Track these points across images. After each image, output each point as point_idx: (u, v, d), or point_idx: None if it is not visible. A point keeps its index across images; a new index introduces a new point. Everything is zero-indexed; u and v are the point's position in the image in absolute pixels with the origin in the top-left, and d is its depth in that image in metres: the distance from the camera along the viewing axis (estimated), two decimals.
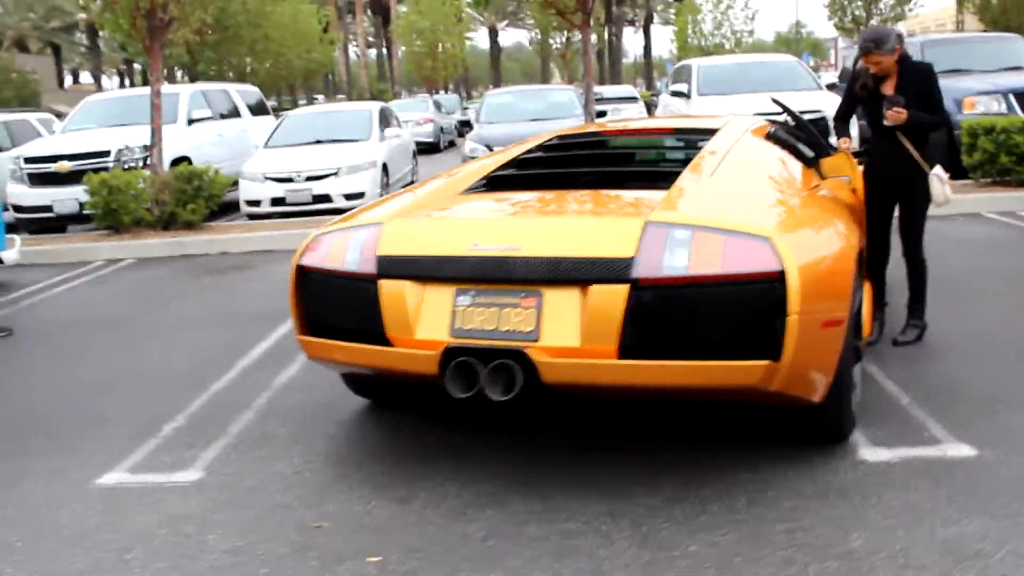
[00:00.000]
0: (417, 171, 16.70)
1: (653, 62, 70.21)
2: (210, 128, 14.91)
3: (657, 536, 3.48)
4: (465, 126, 27.88)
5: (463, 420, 4.79)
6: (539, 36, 37.09)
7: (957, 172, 11.52)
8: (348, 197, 12.58)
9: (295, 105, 39.68)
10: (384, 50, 61.07)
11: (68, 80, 70.23)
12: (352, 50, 59.90)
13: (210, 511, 3.99)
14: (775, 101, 6.38)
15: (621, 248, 3.58)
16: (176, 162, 13.00)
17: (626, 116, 23.89)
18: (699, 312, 3.50)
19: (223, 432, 4.90)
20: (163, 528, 3.86)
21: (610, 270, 3.55)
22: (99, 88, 59.86)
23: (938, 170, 5.46)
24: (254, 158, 13.68)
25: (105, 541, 3.78)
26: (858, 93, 5.66)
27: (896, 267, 5.78)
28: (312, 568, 3.45)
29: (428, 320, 3.81)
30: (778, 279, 3.47)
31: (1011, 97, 12.30)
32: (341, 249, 4.13)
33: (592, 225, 3.82)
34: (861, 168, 5.75)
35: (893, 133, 5.45)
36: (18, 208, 12.93)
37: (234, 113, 16.23)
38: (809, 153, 5.54)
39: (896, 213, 5.66)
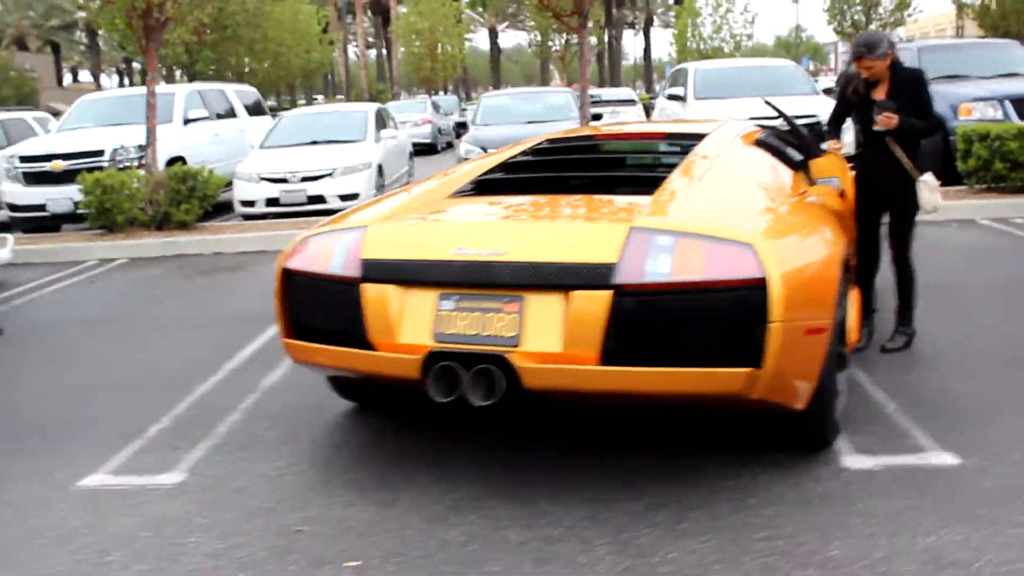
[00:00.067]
0: (413, 172, 16.69)
1: (653, 65, 70.28)
2: (206, 128, 14.90)
3: (637, 542, 3.47)
4: (462, 128, 27.85)
5: (448, 424, 4.78)
6: (538, 38, 37.09)
7: (952, 178, 11.53)
8: (343, 198, 12.56)
9: (294, 105, 39.67)
10: (384, 51, 61.06)
11: (67, 78, 70.24)
12: (352, 50, 59.95)
13: (192, 513, 3.98)
14: (767, 103, 6.37)
15: (604, 254, 3.57)
16: (171, 162, 13.01)
17: (623, 119, 23.88)
18: (681, 319, 3.50)
19: (208, 434, 4.89)
20: (145, 530, 3.85)
21: (593, 276, 3.54)
22: (98, 87, 59.88)
23: (928, 177, 5.45)
24: (249, 158, 13.68)
25: (86, 543, 3.77)
26: (849, 98, 5.66)
27: (886, 273, 5.78)
28: (291, 572, 3.44)
29: (411, 324, 3.81)
30: (760, 286, 3.46)
31: (1007, 103, 12.28)
32: (326, 252, 4.12)
33: (576, 231, 3.81)
34: (853, 174, 5.74)
35: (884, 139, 5.44)
36: (13, 207, 12.94)
37: (230, 113, 16.22)
38: (799, 158, 5.54)
39: (886, 219, 5.65)
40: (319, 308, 4.13)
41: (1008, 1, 26.21)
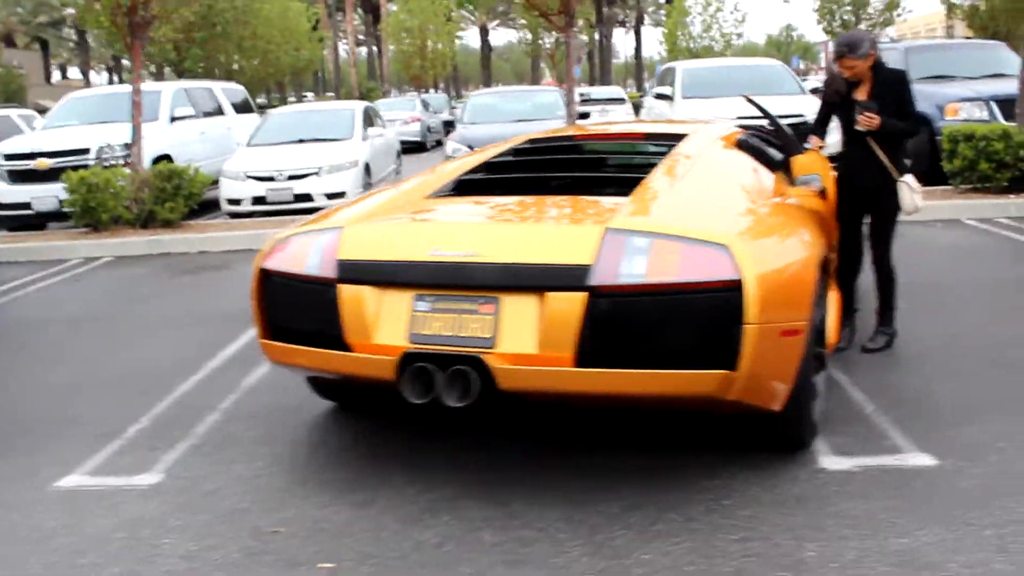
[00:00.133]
0: (401, 170, 16.66)
1: (644, 63, 70.31)
2: (192, 126, 14.86)
3: (612, 544, 3.46)
4: (449, 126, 27.82)
5: (427, 424, 4.77)
6: (528, 36, 37.07)
7: (938, 178, 11.56)
8: (329, 196, 12.53)
9: (284, 103, 39.58)
10: (374, 48, 60.98)
11: (56, 75, 69.99)
12: (342, 48, 59.83)
13: (167, 514, 3.96)
14: (748, 100, 6.36)
15: (579, 255, 3.56)
16: (158, 160, 12.97)
17: (612, 117, 23.89)
18: (656, 320, 3.49)
19: (187, 434, 4.87)
20: (119, 532, 3.83)
21: (568, 277, 3.53)
22: (87, 84, 59.68)
23: (908, 178, 5.46)
24: (236, 156, 13.65)
25: (61, 544, 3.76)
26: (831, 98, 5.67)
27: (868, 273, 5.78)
28: (264, 574, 3.43)
29: (387, 325, 3.79)
30: (735, 288, 3.45)
31: (993, 104, 12.31)
32: (303, 253, 4.10)
33: (551, 232, 3.80)
34: (835, 174, 5.74)
35: (865, 139, 5.45)
36: None
37: (218, 111, 16.18)
38: (780, 157, 5.54)
39: (868, 220, 5.66)
40: (296, 309, 4.11)
41: (997, 2, 26.27)
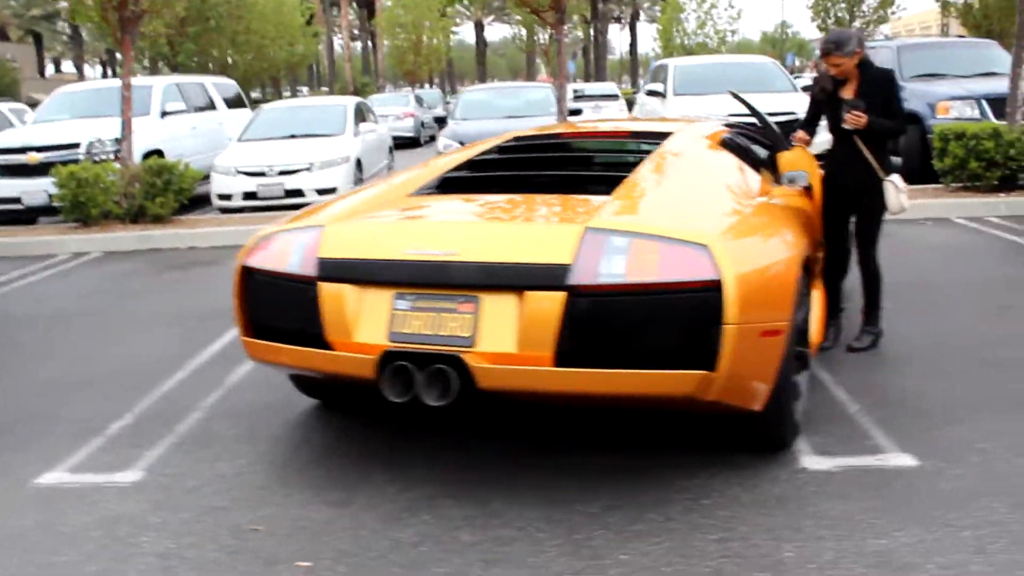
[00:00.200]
0: (393, 166, 16.63)
1: (639, 59, 70.25)
2: (184, 121, 14.83)
3: (590, 544, 3.46)
4: (440, 122, 27.79)
5: (409, 422, 4.76)
6: (522, 32, 37.01)
7: (929, 176, 11.57)
8: (320, 192, 12.50)
9: (280, 98, 39.49)
10: (369, 43, 60.91)
11: (50, 69, 69.81)
12: (337, 43, 59.74)
13: (146, 512, 3.95)
14: (734, 96, 6.36)
15: (558, 255, 3.55)
16: (149, 155, 12.91)
17: (606, 114, 23.88)
18: (635, 320, 3.48)
19: (169, 432, 4.85)
20: (97, 530, 3.82)
21: (547, 277, 3.52)
22: (81, 77, 59.52)
23: (894, 177, 5.45)
24: (227, 152, 13.61)
25: (37, 542, 3.74)
26: (817, 96, 5.66)
27: (854, 272, 5.78)
28: (241, 573, 3.42)
29: (367, 324, 3.78)
30: (715, 288, 3.44)
31: (984, 103, 12.34)
32: (284, 251, 4.09)
33: (531, 231, 3.79)
34: (822, 172, 5.74)
35: (852, 138, 5.44)
36: None
37: (210, 106, 16.14)
38: (766, 155, 5.53)
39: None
40: (277, 307, 4.10)
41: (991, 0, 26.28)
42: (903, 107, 5.60)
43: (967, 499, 3.69)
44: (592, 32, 59.29)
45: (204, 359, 6.14)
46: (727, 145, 5.09)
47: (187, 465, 4.43)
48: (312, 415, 4.99)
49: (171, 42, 26.64)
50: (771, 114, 11.62)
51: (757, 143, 5.87)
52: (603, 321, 3.49)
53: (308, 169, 12.78)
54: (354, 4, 58.63)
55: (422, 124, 29.48)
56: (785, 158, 5.42)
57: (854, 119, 5.30)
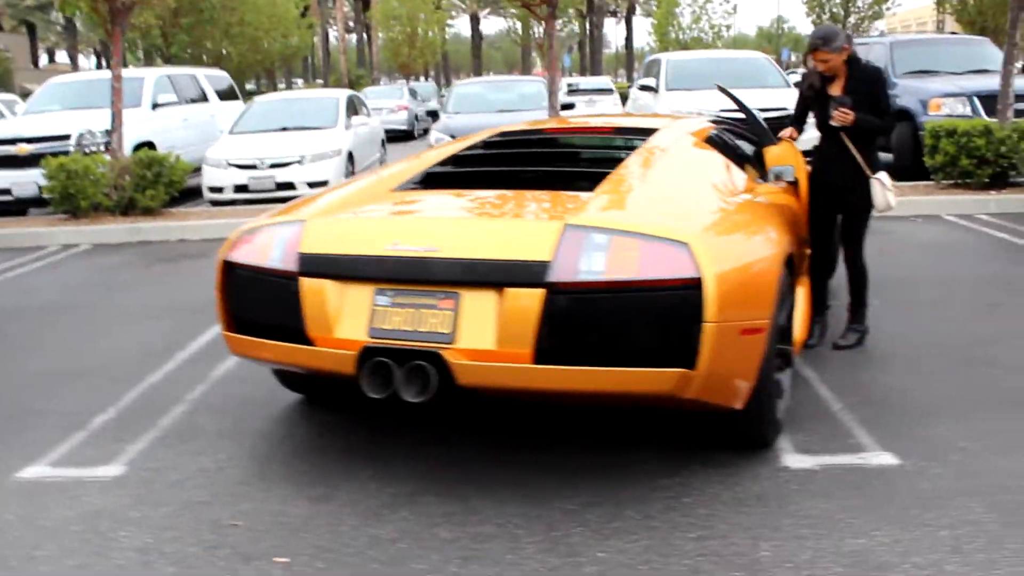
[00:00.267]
0: (386, 159, 16.61)
1: (635, 54, 70.16)
2: (175, 113, 14.79)
3: (568, 541, 3.46)
4: (432, 115, 27.75)
5: (393, 418, 4.76)
6: (516, 25, 36.98)
7: (922, 172, 11.59)
8: (312, 185, 12.48)
9: (274, 90, 39.39)
10: (364, 35, 60.76)
11: (44, 59, 69.60)
12: (332, 35, 59.62)
13: (127, 507, 3.94)
14: (721, 90, 6.35)
15: (538, 251, 3.55)
16: (140, 147, 12.88)
17: (600, 108, 23.88)
18: (614, 318, 3.48)
19: (152, 425, 4.85)
20: (77, 524, 3.81)
21: (526, 273, 3.52)
22: (75, 68, 59.35)
23: (881, 175, 5.45)
24: (218, 144, 13.58)
25: (17, 537, 3.73)
26: (805, 93, 5.66)
27: (841, 269, 5.78)
28: (219, 568, 3.41)
29: (348, 320, 3.78)
30: (695, 286, 3.44)
31: (976, 100, 12.35)
32: (266, 245, 4.08)
33: (511, 228, 3.78)
34: (809, 169, 5.74)
35: (839, 135, 5.43)
36: None
37: (202, 98, 16.10)
38: (753, 150, 5.52)
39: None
40: (258, 302, 4.09)
41: None
42: (891, 105, 5.59)
43: (946, 498, 3.70)
44: (588, 26, 59.20)
45: (190, 352, 6.13)
46: (712, 142, 5.08)
47: (169, 459, 4.42)
48: (296, 410, 4.99)
49: (165, 33, 26.55)
50: (763, 110, 11.63)
51: (744, 139, 5.87)
52: (582, 318, 3.48)
53: (299, 162, 12.75)
54: None
55: (416, 117, 29.45)
56: (772, 153, 5.43)
57: (841, 116, 5.30)
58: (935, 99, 12.55)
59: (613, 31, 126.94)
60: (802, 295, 5.32)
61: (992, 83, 11.60)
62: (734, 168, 4.86)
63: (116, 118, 11.74)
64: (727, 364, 3.59)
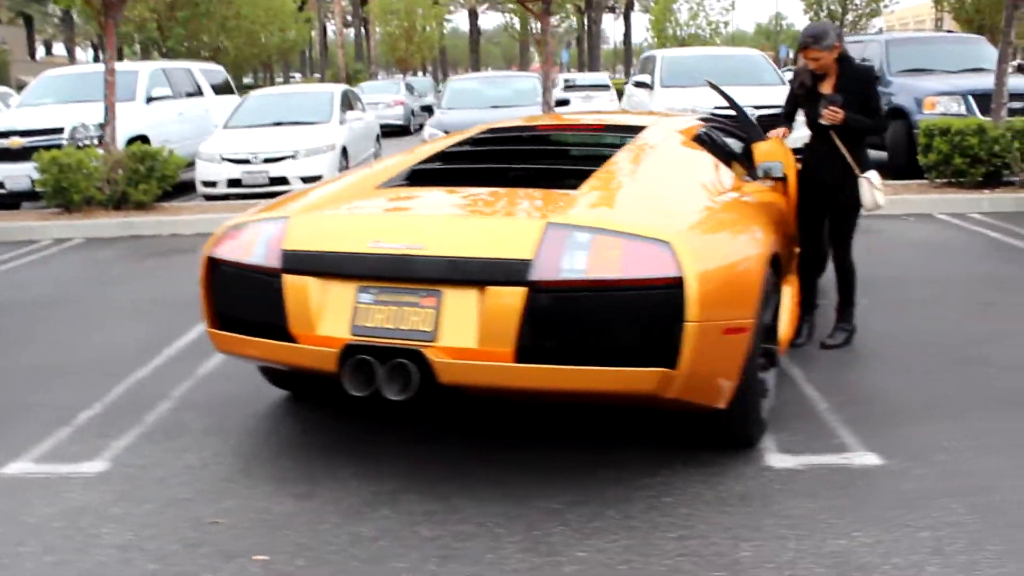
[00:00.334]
0: (380, 155, 16.59)
1: (633, 50, 70.08)
2: (170, 107, 14.76)
3: (548, 540, 3.45)
4: (427, 111, 27.75)
5: (377, 415, 4.75)
6: (513, 20, 36.95)
7: (916, 171, 11.58)
8: (305, 180, 12.45)
9: (272, 84, 39.35)
10: (362, 30, 60.68)
11: (41, 51, 69.45)
12: (330, 29, 59.52)
13: (109, 504, 3.93)
14: (711, 85, 6.34)
15: (520, 250, 3.54)
16: (133, 140, 12.85)
17: (596, 104, 23.85)
18: (596, 317, 3.47)
19: (138, 422, 4.84)
20: (59, 521, 3.80)
21: (508, 272, 3.51)
22: (72, 60, 59.24)
23: (871, 174, 5.44)
24: (212, 138, 13.56)
25: (1, 533, 3.71)
26: (796, 91, 5.65)
27: (829, 268, 5.78)
28: (200, 566, 3.40)
29: (330, 317, 3.77)
30: (676, 285, 3.43)
31: (970, 99, 12.34)
32: (249, 242, 4.07)
33: (493, 226, 3.77)
34: (798, 166, 5.73)
35: (829, 134, 5.43)
36: None
37: (196, 92, 16.07)
38: (741, 147, 5.51)
39: None
40: (242, 299, 4.09)
41: None
42: (881, 104, 5.58)
43: (929, 499, 3.70)
44: (586, 22, 59.12)
45: (179, 347, 6.12)
46: (700, 140, 5.07)
47: (154, 456, 4.41)
48: (282, 407, 4.98)
49: (161, 27, 26.51)
50: (758, 107, 11.66)
51: (734, 137, 5.86)
52: (564, 317, 3.48)
53: (293, 157, 12.74)
54: None
55: (412, 112, 29.45)
56: (760, 149, 5.42)
57: (831, 115, 5.29)
58: (930, 97, 12.54)
59: (612, 27, 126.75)
60: (789, 294, 5.31)
61: (987, 82, 11.58)
62: (721, 166, 4.85)
63: (109, 112, 11.72)
64: (709, 364, 3.58)
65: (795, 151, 5.82)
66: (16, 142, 12.46)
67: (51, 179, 11.26)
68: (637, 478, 3.93)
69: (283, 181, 12.56)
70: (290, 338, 3.85)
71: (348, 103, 15.08)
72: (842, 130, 5.38)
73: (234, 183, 12.72)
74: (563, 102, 15.76)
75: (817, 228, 5.68)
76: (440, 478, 4.01)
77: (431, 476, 4.04)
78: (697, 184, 4.40)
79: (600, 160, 4.48)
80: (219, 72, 17.84)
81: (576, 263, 3.49)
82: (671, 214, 3.83)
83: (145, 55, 28.93)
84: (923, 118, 11.86)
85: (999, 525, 3.49)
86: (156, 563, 3.43)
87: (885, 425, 4.45)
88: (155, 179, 11.70)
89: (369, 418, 4.73)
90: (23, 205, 12.97)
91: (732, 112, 6.12)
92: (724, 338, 3.62)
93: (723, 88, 6.24)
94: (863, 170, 5.43)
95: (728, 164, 5.02)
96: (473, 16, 65.86)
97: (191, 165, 13.21)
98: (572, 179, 4.25)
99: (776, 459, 4.11)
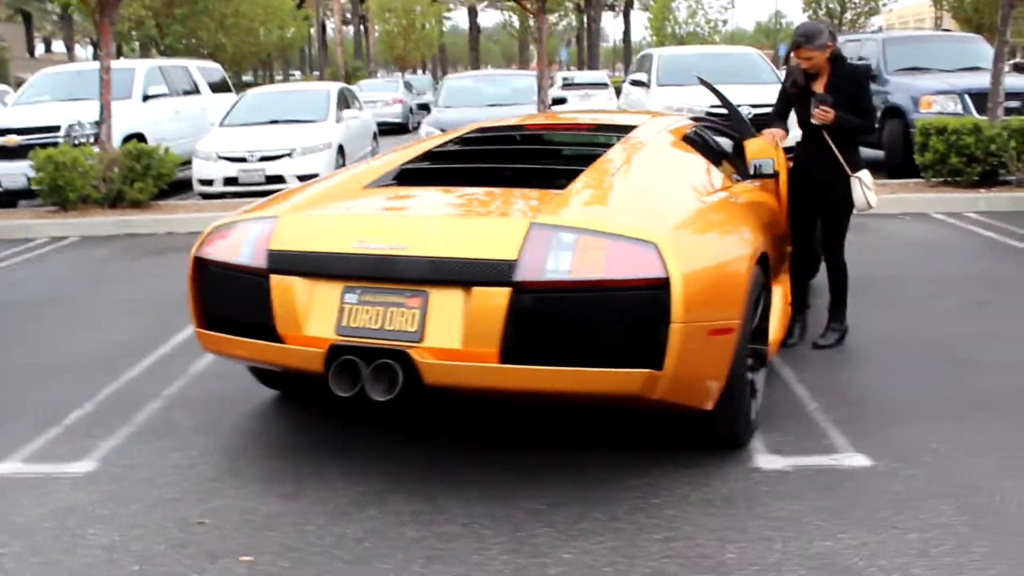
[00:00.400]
0: (378, 153, 16.56)
1: (633, 48, 70.01)
2: (166, 105, 14.76)
3: (533, 541, 3.44)
4: (425, 109, 27.73)
5: (367, 415, 4.74)
6: (511, 18, 36.91)
7: (913, 170, 11.57)
8: (302, 178, 12.42)
9: (272, 81, 39.31)
10: (361, 27, 60.63)
11: (40, 48, 69.41)
12: (329, 26, 59.46)
13: (96, 504, 3.92)
14: (703, 82, 6.33)
15: (504, 250, 3.53)
16: (130, 138, 12.84)
17: (594, 103, 23.84)
18: (580, 318, 3.46)
19: (127, 421, 4.83)
20: (46, 521, 3.80)
21: (492, 272, 3.50)
22: (71, 58, 59.20)
23: (862, 174, 5.43)
24: (208, 137, 13.56)
25: None
26: (789, 90, 5.64)
27: (821, 268, 5.77)
28: (185, 566, 3.39)
29: (316, 317, 3.76)
30: (662, 286, 3.42)
31: (967, 97, 12.33)
32: (237, 242, 4.07)
33: (478, 226, 3.76)
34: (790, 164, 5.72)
35: (820, 133, 5.42)
36: None
37: (193, 90, 16.06)
38: (732, 146, 5.50)
39: None
40: (229, 299, 4.08)
41: None
42: (872, 105, 5.57)
43: (915, 500, 3.69)
44: (585, 20, 59.09)
45: (172, 346, 6.12)
46: (690, 140, 5.06)
47: (142, 456, 4.40)
48: (272, 406, 4.97)
49: (159, 25, 26.49)
50: (755, 106, 11.64)
51: (726, 136, 5.85)
52: (548, 318, 3.47)
53: (289, 155, 12.74)
54: None
55: (411, 110, 29.43)
56: (752, 146, 5.41)
57: (821, 114, 5.28)
58: (926, 96, 12.53)
59: (611, 25, 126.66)
60: (780, 294, 5.30)
61: (984, 81, 11.57)
62: (710, 166, 4.84)
63: (105, 110, 11.71)
64: (695, 365, 3.57)
65: (786, 150, 5.81)
66: (12, 140, 12.46)
67: (47, 177, 11.25)
68: (624, 479, 3.93)
69: (279, 179, 12.54)
70: (277, 338, 3.84)
71: (345, 101, 15.06)
72: (833, 130, 5.37)
73: (230, 181, 12.71)
74: (560, 100, 15.75)
75: (809, 228, 5.67)
76: (427, 478, 4.00)
77: (418, 476, 4.03)
78: (685, 184, 4.40)
79: (588, 160, 4.47)
80: (216, 70, 17.83)
81: (561, 263, 3.48)
82: (657, 214, 3.82)
83: (144, 53, 28.93)
84: (919, 117, 11.85)
85: (987, 526, 3.48)
86: (141, 564, 3.43)
87: (875, 426, 4.44)
88: (151, 177, 11.69)
89: (358, 418, 4.73)
90: (20, 203, 12.97)
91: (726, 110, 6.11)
92: (710, 339, 3.61)
93: (719, 86, 6.23)
94: (855, 170, 5.42)
95: (718, 163, 5.01)
96: (473, 14, 65.79)
97: (188, 163, 13.21)
98: (559, 179, 4.24)
99: (764, 460, 4.10)
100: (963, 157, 10.65)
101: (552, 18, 31.54)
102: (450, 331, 3.54)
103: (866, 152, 12.73)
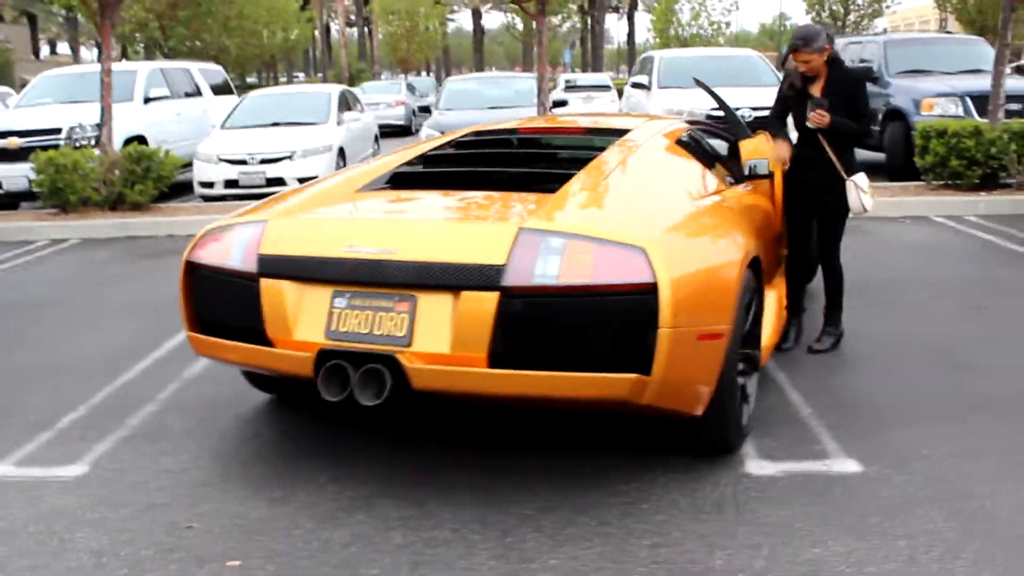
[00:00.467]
0: (379, 155, 16.54)
1: (637, 50, 70.01)
2: (168, 107, 14.76)
3: (521, 547, 3.44)
4: (425, 111, 27.74)
5: (358, 419, 4.73)
6: (515, 20, 36.86)
7: (914, 172, 11.54)
8: (302, 181, 12.43)
9: (276, 83, 39.35)
10: (365, 29, 60.68)
11: (45, 50, 69.53)
12: (333, 28, 59.55)
13: (86, 508, 3.92)
14: (698, 83, 6.32)
15: (492, 255, 3.52)
16: (131, 141, 12.85)
17: (596, 105, 23.82)
18: (568, 323, 3.45)
19: (120, 425, 4.83)
20: (35, 525, 3.79)
21: (481, 277, 3.49)
22: (76, 59, 59.29)
23: (858, 178, 5.42)
24: (209, 139, 13.56)
25: None
26: (786, 93, 5.62)
27: (817, 272, 5.75)
28: (172, 571, 3.39)
29: (306, 321, 3.76)
30: (650, 291, 3.41)
31: (968, 100, 12.29)
32: (227, 246, 4.07)
33: (466, 231, 3.75)
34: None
35: (817, 136, 5.40)
36: None
37: (195, 92, 16.07)
38: (728, 148, 5.48)
39: None
40: (220, 302, 4.08)
41: None
42: (869, 109, 5.56)
43: (905, 507, 3.67)
44: (589, 22, 59.11)
45: (167, 350, 6.12)
46: (684, 143, 5.05)
47: (134, 460, 4.40)
48: (264, 410, 4.97)
49: (163, 27, 26.52)
50: (756, 108, 11.61)
51: (722, 140, 5.83)
52: (536, 323, 3.46)
53: (290, 157, 12.74)
54: None
55: (414, 112, 29.44)
56: (747, 147, 5.40)
57: (817, 118, 5.27)
58: (927, 99, 12.49)
59: (615, 27, 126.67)
60: (773, 298, 5.29)
61: (985, 83, 11.53)
62: (703, 170, 4.82)
63: (106, 112, 11.71)
64: (684, 370, 3.56)
65: None
66: (13, 142, 12.47)
67: (47, 179, 11.26)
68: (613, 484, 3.92)
69: (280, 182, 12.54)
70: (267, 342, 3.84)
71: (346, 104, 15.07)
72: (829, 133, 5.35)
73: (231, 184, 12.72)
74: (561, 103, 15.74)
75: (805, 231, 5.65)
76: (416, 483, 3.99)
77: (407, 481, 4.02)
78: (677, 188, 4.38)
79: (581, 163, 4.46)
80: (218, 72, 17.84)
81: (549, 268, 3.47)
82: (647, 219, 3.81)
83: (148, 55, 28.97)
84: (921, 119, 11.83)
85: (976, 533, 3.47)
86: (129, 568, 3.42)
87: (868, 431, 4.43)
88: (151, 180, 11.70)
89: (349, 422, 4.72)
90: (21, 205, 12.98)
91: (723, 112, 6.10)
92: (699, 344, 3.60)
93: (720, 89, 6.22)
94: (851, 173, 5.41)
95: (712, 167, 4.99)
96: (476, 16, 65.82)
97: (189, 166, 13.22)
98: (551, 183, 4.23)
99: (755, 466, 4.08)
100: (963, 160, 10.63)
101: (556, 20, 31.51)
102: (439, 336, 3.53)
103: (868, 155, 12.76)
